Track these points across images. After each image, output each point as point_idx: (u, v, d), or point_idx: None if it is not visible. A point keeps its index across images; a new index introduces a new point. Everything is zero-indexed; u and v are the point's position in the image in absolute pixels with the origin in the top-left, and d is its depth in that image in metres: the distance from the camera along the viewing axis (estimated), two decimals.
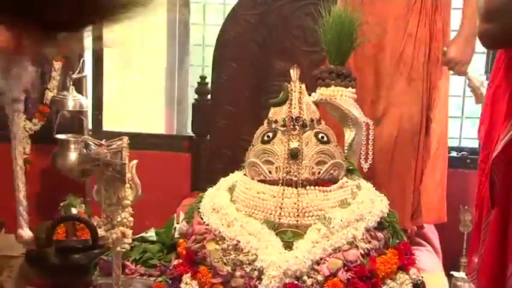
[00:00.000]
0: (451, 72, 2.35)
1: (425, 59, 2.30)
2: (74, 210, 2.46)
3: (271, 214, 1.64)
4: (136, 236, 1.79)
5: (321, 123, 1.77)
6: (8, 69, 1.48)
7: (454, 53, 2.26)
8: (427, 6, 2.27)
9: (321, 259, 1.57)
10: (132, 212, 1.53)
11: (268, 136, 1.74)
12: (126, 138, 1.50)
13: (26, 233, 1.98)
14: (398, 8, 2.28)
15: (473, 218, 1.97)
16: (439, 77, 2.33)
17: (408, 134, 2.31)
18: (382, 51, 2.31)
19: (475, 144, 2.86)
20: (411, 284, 1.68)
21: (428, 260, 2.21)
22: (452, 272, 2.25)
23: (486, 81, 2.13)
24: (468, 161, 2.83)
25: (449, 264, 2.37)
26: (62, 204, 2.57)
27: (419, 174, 2.36)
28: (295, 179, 1.66)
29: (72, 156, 2.78)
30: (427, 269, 1.88)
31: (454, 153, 2.84)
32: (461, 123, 3.06)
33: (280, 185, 1.67)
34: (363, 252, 1.61)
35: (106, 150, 1.47)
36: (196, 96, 2.93)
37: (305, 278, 1.53)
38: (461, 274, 2.20)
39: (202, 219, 1.73)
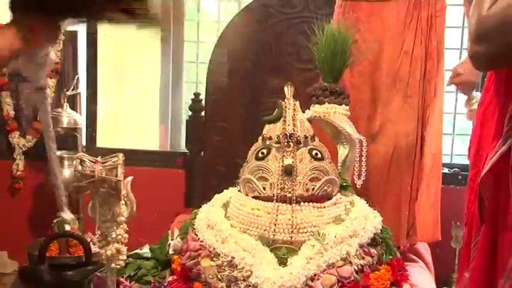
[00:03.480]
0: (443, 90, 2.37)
1: (421, 77, 2.31)
2: (67, 227, 2.45)
3: (265, 230, 1.65)
4: (131, 253, 1.79)
5: (314, 140, 1.78)
6: (32, 58, 1.50)
7: (468, 74, 2.28)
8: (423, 25, 2.30)
9: (315, 275, 1.57)
10: (127, 228, 1.54)
11: (262, 153, 1.75)
12: (121, 155, 1.51)
13: (68, 215, 2.04)
14: (395, 26, 2.30)
15: (464, 235, 1.99)
16: (433, 95, 2.35)
17: (404, 151, 2.32)
18: (379, 68, 2.33)
19: (466, 160, 2.86)
20: None
21: (420, 276, 2.21)
22: None
23: None
24: (459, 177, 2.84)
25: (441, 281, 2.37)
26: (55, 221, 2.56)
27: (414, 192, 2.36)
28: (290, 195, 1.67)
29: (66, 172, 2.78)
30: (420, 285, 1.89)
31: (445, 170, 2.85)
32: (452, 139, 3.08)
33: (274, 201, 1.67)
34: (356, 268, 1.62)
35: (101, 167, 1.48)
36: (190, 113, 2.94)
37: None
38: None
39: (196, 235, 1.74)
